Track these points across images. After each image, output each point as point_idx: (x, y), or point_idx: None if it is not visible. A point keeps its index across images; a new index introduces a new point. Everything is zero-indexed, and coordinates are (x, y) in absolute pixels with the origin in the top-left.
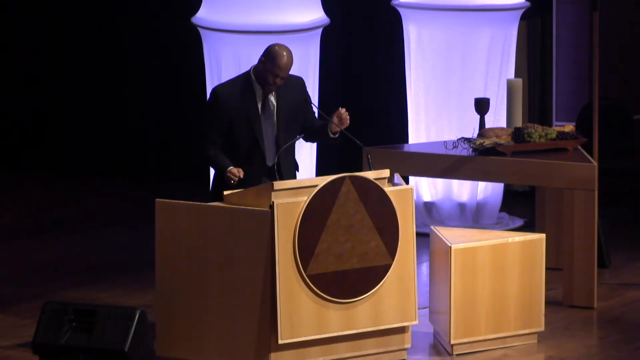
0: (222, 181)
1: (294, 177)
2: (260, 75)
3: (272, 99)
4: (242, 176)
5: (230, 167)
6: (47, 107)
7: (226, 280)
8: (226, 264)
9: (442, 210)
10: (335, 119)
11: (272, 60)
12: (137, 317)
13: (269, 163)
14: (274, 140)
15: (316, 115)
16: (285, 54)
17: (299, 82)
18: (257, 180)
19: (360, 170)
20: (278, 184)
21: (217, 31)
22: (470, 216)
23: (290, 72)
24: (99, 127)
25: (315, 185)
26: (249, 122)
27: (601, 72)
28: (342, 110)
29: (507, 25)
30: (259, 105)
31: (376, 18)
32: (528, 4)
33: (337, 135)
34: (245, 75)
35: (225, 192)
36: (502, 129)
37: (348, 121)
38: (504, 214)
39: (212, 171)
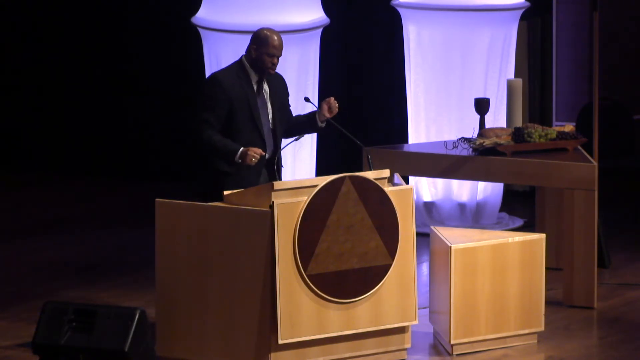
0: (221, 177)
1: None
2: (255, 62)
3: (265, 87)
4: (264, 153)
5: (243, 148)
6: (47, 107)
7: (226, 280)
8: (226, 264)
9: (442, 210)
10: (325, 107)
11: (265, 43)
12: (137, 317)
13: (268, 153)
14: (271, 129)
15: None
16: (275, 34)
17: (282, 78)
18: (258, 172)
19: (360, 170)
20: (278, 184)
21: (217, 31)
22: (470, 216)
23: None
24: (99, 127)
25: (315, 185)
26: (249, 107)
27: (601, 72)
28: (332, 99)
29: (507, 25)
30: (255, 91)
31: (376, 18)
32: (528, 4)
33: (324, 125)
34: (238, 64)
35: (225, 192)
36: (502, 129)
37: (337, 109)
38: (504, 214)
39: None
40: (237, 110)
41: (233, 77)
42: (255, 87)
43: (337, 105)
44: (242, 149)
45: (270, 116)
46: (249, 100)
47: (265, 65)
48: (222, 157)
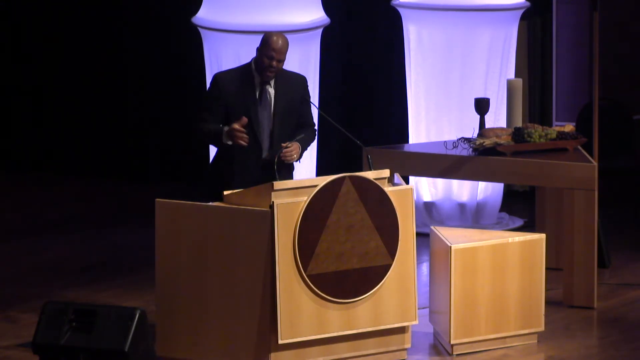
0: (219, 175)
1: (292, 176)
2: (257, 64)
3: (270, 90)
4: (244, 124)
5: (227, 127)
6: (47, 107)
7: (226, 280)
8: (226, 264)
9: (442, 210)
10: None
11: (265, 44)
12: (137, 317)
13: (264, 154)
14: (269, 132)
15: (315, 115)
16: (279, 37)
17: (301, 80)
18: (253, 171)
19: (360, 170)
20: (278, 184)
21: (217, 31)
22: (470, 216)
23: (294, 71)
24: (99, 127)
25: (315, 185)
26: (245, 108)
27: (601, 72)
28: (287, 151)
29: (507, 25)
30: (257, 93)
31: (376, 18)
32: (528, 4)
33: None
34: (246, 65)
35: (225, 192)
36: (502, 129)
37: (292, 158)
38: (504, 214)
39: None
40: (233, 111)
41: (234, 78)
42: (257, 90)
43: (291, 154)
44: (226, 128)
45: (270, 122)
46: (246, 101)
47: (263, 65)
48: (214, 141)
